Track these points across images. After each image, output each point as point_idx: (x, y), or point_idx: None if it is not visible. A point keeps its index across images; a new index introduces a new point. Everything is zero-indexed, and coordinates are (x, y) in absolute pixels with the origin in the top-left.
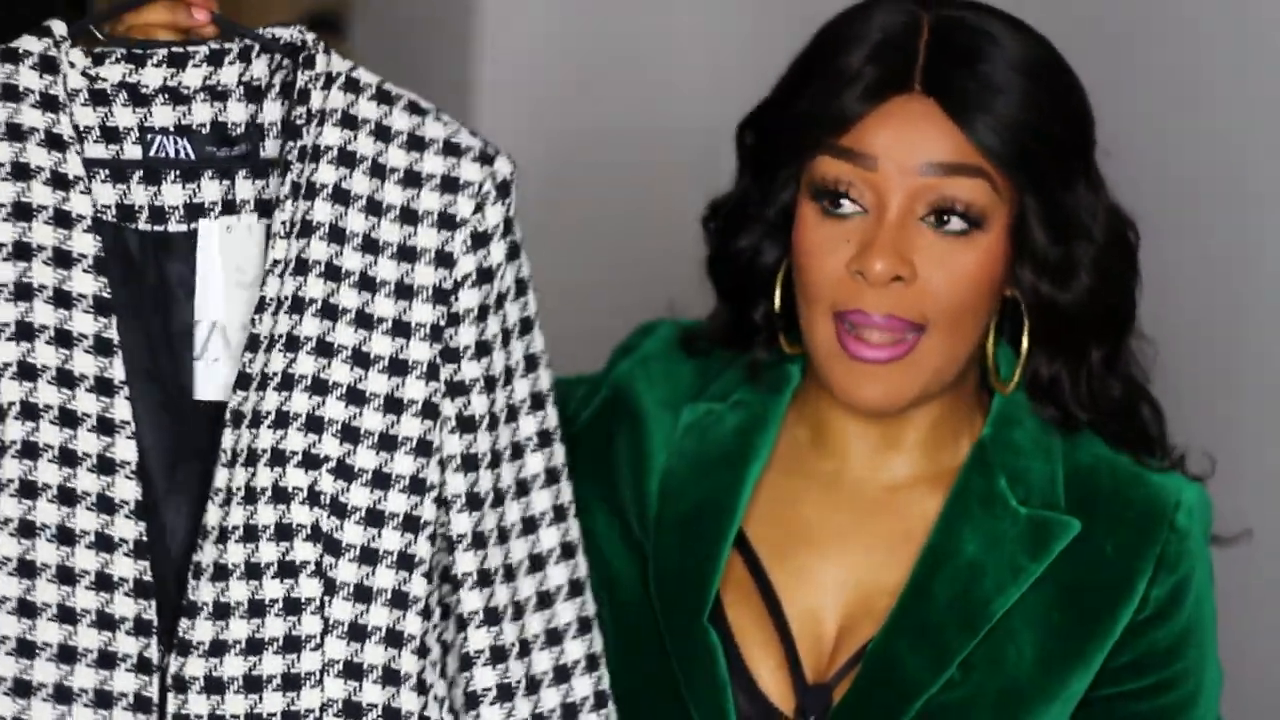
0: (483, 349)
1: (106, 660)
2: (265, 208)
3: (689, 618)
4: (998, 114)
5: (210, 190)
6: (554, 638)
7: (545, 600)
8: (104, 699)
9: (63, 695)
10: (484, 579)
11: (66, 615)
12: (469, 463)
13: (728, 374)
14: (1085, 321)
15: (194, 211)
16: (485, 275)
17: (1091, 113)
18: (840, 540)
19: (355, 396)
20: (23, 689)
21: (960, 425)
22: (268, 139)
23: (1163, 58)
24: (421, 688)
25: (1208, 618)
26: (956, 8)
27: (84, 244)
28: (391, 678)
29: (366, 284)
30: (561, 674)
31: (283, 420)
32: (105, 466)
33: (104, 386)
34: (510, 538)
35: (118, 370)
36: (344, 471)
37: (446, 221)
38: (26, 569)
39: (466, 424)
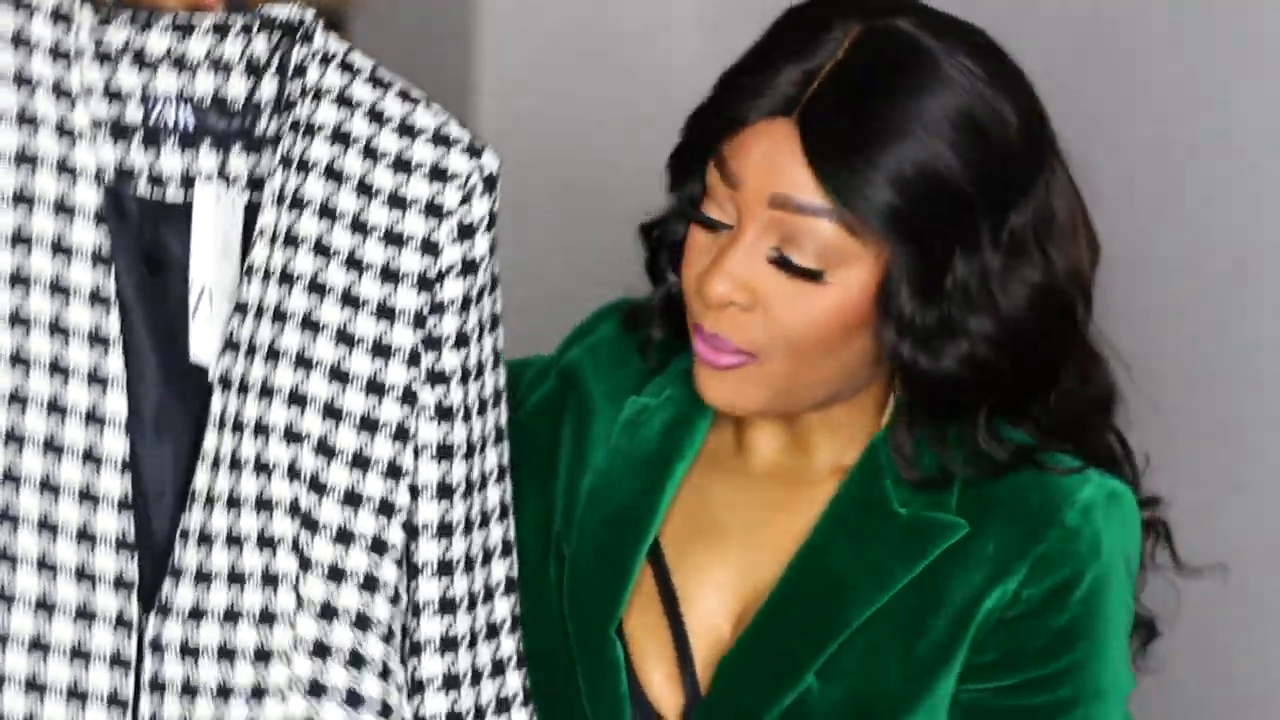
0: (462, 340)
1: (85, 615)
2: (256, 184)
3: (597, 629)
4: (871, 161)
5: (207, 161)
6: (493, 631)
7: (489, 594)
8: (81, 654)
9: (39, 647)
10: (444, 569)
11: (46, 566)
12: (444, 452)
13: (671, 367)
14: (959, 390)
15: (189, 180)
16: (469, 267)
17: (1030, 168)
18: (740, 539)
19: (338, 375)
20: None
21: (869, 426)
22: (263, 116)
23: (1166, 57)
24: (385, 673)
25: (1104, 623)
26: (908, 20)
27: (86, 196)
28: (357, 661)
29: (354, 264)
30: (498, 667)
31: (267, 392)
32: (94, 419)
33: (98, 340)
34: (473, 530)
35: (113, 325)
36: (324, 449)
37: (434, 210)
38: (10, 518)
39: (445, 413)
